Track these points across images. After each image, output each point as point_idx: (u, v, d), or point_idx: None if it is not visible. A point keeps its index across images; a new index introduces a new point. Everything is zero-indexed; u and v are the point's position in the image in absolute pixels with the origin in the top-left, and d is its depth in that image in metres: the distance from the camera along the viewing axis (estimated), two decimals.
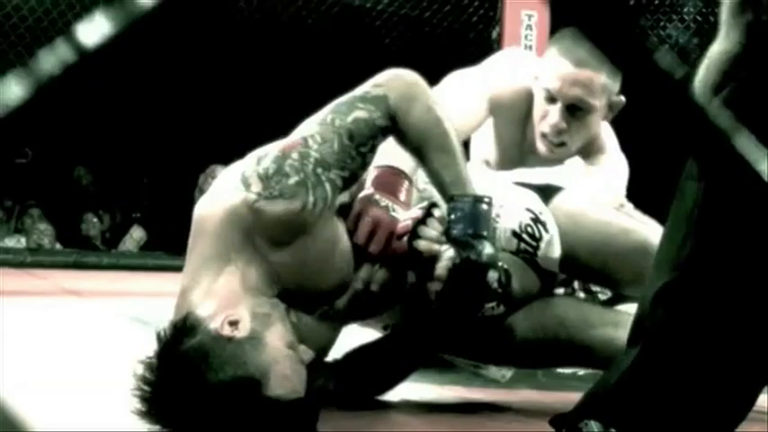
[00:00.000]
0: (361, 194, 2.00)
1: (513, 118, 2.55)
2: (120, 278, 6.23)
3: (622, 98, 2.50)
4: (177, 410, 1.62)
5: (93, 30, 0.78)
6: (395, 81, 1.97)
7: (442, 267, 1.87)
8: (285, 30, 8.61)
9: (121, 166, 9.35)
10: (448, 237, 1.90)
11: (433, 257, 1.88)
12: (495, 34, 6.86)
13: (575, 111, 2.43)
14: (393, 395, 2.19)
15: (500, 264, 1.95)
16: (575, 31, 2.51)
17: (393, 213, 1.96)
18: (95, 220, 8.64)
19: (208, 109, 8.74)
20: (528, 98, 2.52)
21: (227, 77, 8.65)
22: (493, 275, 1.90)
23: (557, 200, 2.19)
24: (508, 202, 2.17)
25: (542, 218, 2.14)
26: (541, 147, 2.50)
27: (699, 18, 9.23)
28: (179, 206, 5.88)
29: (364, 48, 8.74)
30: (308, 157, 1.86)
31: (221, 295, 1.77)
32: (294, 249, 1.84)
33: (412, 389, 2.30)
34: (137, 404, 1.62)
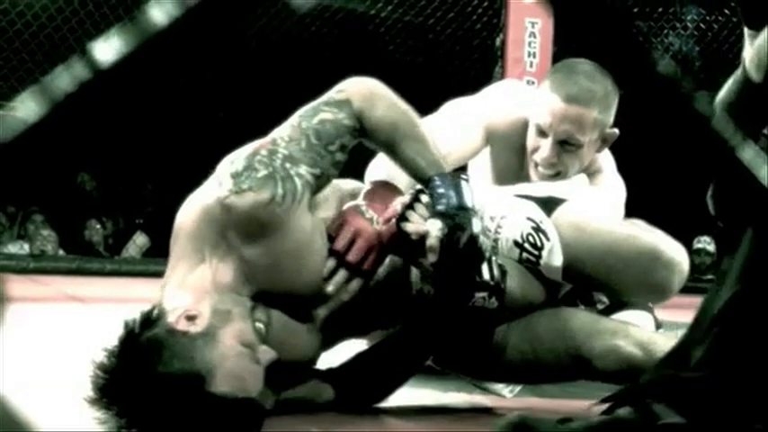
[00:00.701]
0: (349, 204, 2.02)
1: (511, 147, 2.55)
2: (122, 284, 6.23)
3: (616, 131, 2.49)
4: (125, 400, 1.64)
5: (108, 48, 0.79)
6: (356, 86, 2.02)
7: (433, 238, 1.89)
8: (289, 36, 8.63)
9: (125, 172, 9.36)
10: (434, 213, 1.92)
11: (423, 238, 1.90)
12: (498, 41, 6.87)
13: (565, 145, 2.43)
14: (393, 401, 2.19)
15: (494, 258, 1.98)
16: (569, 65, 2.52)
17: (377, 226, 1.98)
18: (98, 226, 8.64)
19: (212, 116, 8.75)
20: (525, 128, 2.52)
21: (231, 84, 8.67)
22: (485, 241, 1.92)
23: (560, 210, 2.19)
24: (509, 212, 2.18)
25: (543, 226, 2.15)
26: (535, 177, 2.49)
27: (702, 26, 9.24)
28: None
29: (368, 54, 8.74)
30: (277, 154, 1.91)
31: (190, 290, 1.82)
32: (267, 245, 1.87)
33: (413, 395, 2.30)
34: (90, 391, 1.65)
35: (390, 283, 2.08)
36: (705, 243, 8.95)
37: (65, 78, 0.79)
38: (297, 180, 1.90)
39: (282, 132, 1.97)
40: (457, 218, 1.90)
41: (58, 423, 1.82)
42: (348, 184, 2.14)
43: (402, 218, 1.94)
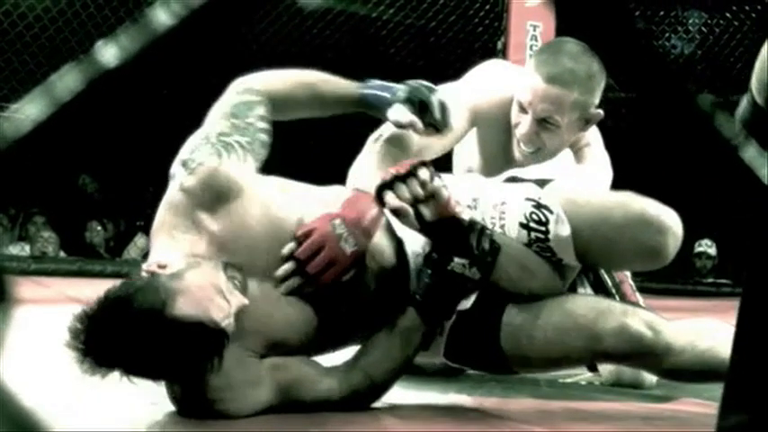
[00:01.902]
0: (324, 213, 2.04)
1: (497, 126, 2.55)
2: None
3: (600, 112, 2.48)
4: (93, 336, 1.78)
5: (113, 48, 0.79)
6: (248, 78, 2.23)
7: (401, 114, 2.20)
8: (291, 39, 8.63)
9: (126, 174, 9.36)
10: (393, 97, 2.19)
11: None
12: (500, 44, 6.88)
13: (544, 123, 2.43)
14: (393, 402, 2.19)
15: (487, 231, 2.04)
16: (556, 44, 2.52)
17: (342, 244, 2.01)
18: (99, 228, 8.64)
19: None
20: (510, 106, 2.52)
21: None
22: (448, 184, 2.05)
23: (549, 187, 2.21)
24: (507, 198, 2.20)
25: (543, 201, 2.17)
26: (517, 153, 2.50)
27: (704, 30, 9.25)
28: None
29: (370, 57, 8.75)
30: (210, 135, 2.08)
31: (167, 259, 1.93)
32: (230, 211, 1.98)
33: (413, 395, 2.30)
34: (69, 338, 1.81)
35: (391, 291, 2.11)
36: (706, 246, 8.95)
37: (70, 78, 0.79)
38: (235, 145, 2.05)
39: (206, 124, 2.14)
40: (415, 87, 2.20)
41: (58, 424, 1.82)
42: (329, 192, 2.15)
43: (388, 187, 1.99)
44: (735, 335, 1.37)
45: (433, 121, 2.22)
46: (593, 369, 2.72)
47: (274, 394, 2.00)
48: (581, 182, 2.41)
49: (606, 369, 2.63)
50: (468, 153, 2.67)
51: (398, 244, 2.18)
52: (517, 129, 2.47)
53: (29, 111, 0.79)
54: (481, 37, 8.28)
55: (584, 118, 2.46)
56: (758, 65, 1.82)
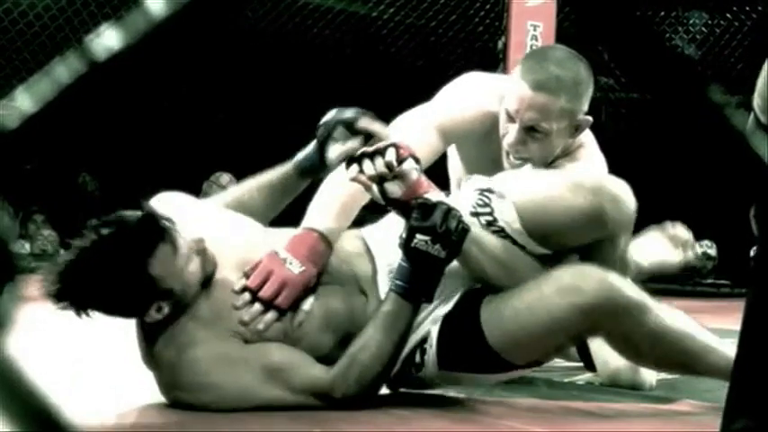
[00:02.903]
0: (267, 251, 2.17)
1: (478, 139, 2.52)
2: None
3: (589, 118, 2.45)
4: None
5: (106, 42, 0.79)
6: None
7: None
8: (290, 39, 8.63)
9: (126, 172, 9.36)
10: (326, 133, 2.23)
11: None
12: (500, 44, 6.87)
13: (532, 131, 2.40)
14: (392, 401, 2.19)
15: (453, 210, 2.05)
16: (542, 51, 2.50)
17: (289, 266, 2.14)
18: None
19: (213, 116, 8.76)
20: (489, 118, 2.49)
21: (232, 85, 8.68)
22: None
23: (493, 177, 2.28)
24: (461, 195, 2.26)
25: (486, 186, 2.22)
26: (506, 165, 2.46)
27: (704, 30, 9.25)
28: None
29: (370, 56, 8.76)
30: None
31: None
32: (193, 219, 2.16)
33: (412, 395, 2.30)
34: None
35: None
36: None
37: (62, 69, 0.79)
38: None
39: None
40: (327, 120, 2.25)
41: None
42: (279, 233, 2.25)
43: (356, 161, 2.11)
44: (739, 339, 1.37)
45: (367, 131, 2.23)
46: (591, 369, 2.71)
47: (260, 377, 2.03)
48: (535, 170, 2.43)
49: (605, 370, 2.63)
50: (457, 170, 2.69)
51: (371, 257, 2.26)
52: (505, 138, 2.43)
53: (23, 99, 0.79)
54: (481, 36, 8.28)
55: (573, 125, 2.43)
56: (760, 83, 1.80)
